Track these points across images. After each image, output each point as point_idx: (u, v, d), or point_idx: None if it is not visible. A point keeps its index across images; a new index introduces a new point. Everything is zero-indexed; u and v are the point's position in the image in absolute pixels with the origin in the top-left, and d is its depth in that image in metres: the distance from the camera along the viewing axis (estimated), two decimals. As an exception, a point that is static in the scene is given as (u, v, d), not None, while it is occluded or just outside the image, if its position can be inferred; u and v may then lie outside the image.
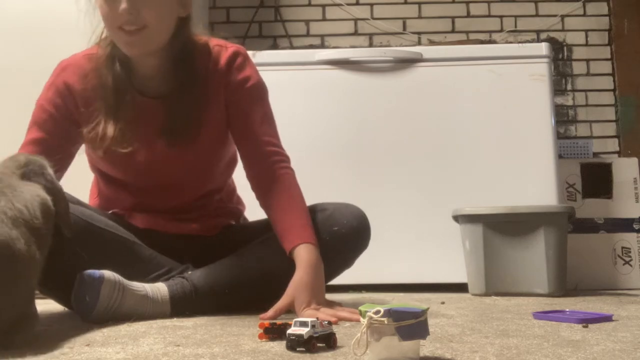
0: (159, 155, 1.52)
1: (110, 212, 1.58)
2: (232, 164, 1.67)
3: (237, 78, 1.54)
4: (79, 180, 1.63)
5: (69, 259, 1.33)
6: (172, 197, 1.59)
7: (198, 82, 1.51)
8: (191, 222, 1.60)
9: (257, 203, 1.54)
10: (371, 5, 3.15)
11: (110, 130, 1.46)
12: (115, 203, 1.60)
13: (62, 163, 1.51)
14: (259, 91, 1.57)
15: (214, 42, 1.57)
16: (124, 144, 1.47)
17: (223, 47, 1.56)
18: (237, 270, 1.46)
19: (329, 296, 1.97)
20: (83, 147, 1.58)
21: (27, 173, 1.12)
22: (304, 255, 1.38)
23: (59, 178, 1.54)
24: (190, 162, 1.55)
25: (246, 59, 1.58)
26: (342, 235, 1.51)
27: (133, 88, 1.51)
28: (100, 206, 1.62)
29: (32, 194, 1.10)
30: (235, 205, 1.73)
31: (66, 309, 1.51)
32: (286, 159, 1.55)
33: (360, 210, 1.58)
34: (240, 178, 1.70)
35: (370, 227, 1.58)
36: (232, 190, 1.74)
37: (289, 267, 1.41)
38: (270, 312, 1.31)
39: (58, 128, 1.50)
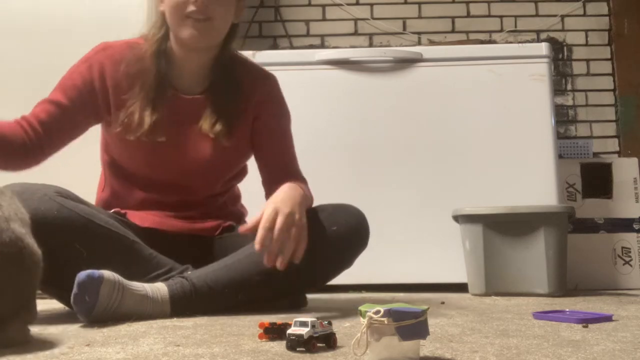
0: (184, 151, 1.58)
1: (112, 211, 1.59)
2: (242, 174, 1.73)
3: (269, 97, 1.65)
4: (84, 178, 1.64)
5: (68, 257, 1.33)
6: (179, 195, 1.61)
7: (234, 89, 1.60)
8: (193, 221, 1.61)
9: (259, 210, 1.56)
10: (371, 5, 3.15)
11: (148, 119, 1.52)
12: (121, 198, 1.62)
13: (69, 134, 1.56)
14: (285, 116, 1.68)
15: (251, 61, 1.70)
16: (160, 133, 1.54)
17: (259, 69, 1.68)
18: (237, 270, 1.46)
19: (329, 296, 1.98)
20: (88, 143, 1.61)
21: None
22: (282, 186, 1.47)
23: (60, 148, 1.56)
24: (210, 162, 1.59)
25: (278, 85, 1.68)
26: (341, 235, 1.52)
27: (171, 84, 1.58)
28: (105, 201, 1.63)
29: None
30: (238, 209, 1.75)
31: (66, 308, 1.51)
32: (303, 179, 1.63)
33: (359, 210, 1.58)
34: (245, 190, 1.76)
35: (369, 226, 1.58)
36: (237, 196, 1.77)
37: (289, 267, 1.42)
38: (249, 224, 1.37)
39: (79, 99, 1.54)
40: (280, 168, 1.63)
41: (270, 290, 1.46)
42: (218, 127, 1.56)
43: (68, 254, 1.34)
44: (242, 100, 1.62)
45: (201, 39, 1.51)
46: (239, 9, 1.59)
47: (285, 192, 1.44)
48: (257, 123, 1.63)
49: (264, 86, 1.65)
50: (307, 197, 1.50)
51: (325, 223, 1.51)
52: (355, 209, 1.58)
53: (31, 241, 1.03)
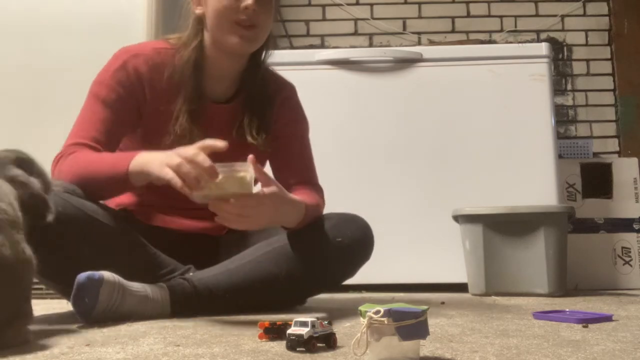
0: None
1: (119, 208, 1.58)
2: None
3: (286, 103, 1.66)
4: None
5: (71, 253, 1.33)
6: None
7: (263, 96, 1.61)
8: (201, 220, 1.61)
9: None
10: (371, 5, 3.16)
11: (196, 130, 1.50)
12: (133, 198, 1.61)
13: (117, 144, 1.53)
14: (302, 123, 1.69)
15: (273, 70, 1.70)
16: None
17: (281, 77, 1.70)
18: (239, 275, 1.46)
19: (329, 296, 1.98)
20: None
21: None
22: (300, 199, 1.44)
23: None
24: None
25: (296, 93, 1.71)
26: (346, 247, 1.51)
27: (205, 92, 1.57)
28: (115, 199, 1.62)
29: (5, 186, 1.07)
30: None
31: (66, 307, 1.51)
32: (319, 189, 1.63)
33: (365, 222, 1.58)
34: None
35: (373, 238, 1.57)
36: None
37: (290, 272, 1.42)
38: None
39: (125, 109, 1.51)
40: (294, 174, 1.61)
41: (270, 296, 1.46)
42: (263, 136, 1.57)
43: (71, 250, 1.34)
44: (268, 105, 1.62)
45: (247, 45, 1.51)
46: (274, 18, 1.59)
47: (293, 208, 1.42)
48: (275, 127, 1.62)
49: (283, 93, 1.66)
50: (308, 215, 1.47)
51: (330, 234, 1.50)
52: (361, 220, 1.58)
53: (20, 248, 0.99)
